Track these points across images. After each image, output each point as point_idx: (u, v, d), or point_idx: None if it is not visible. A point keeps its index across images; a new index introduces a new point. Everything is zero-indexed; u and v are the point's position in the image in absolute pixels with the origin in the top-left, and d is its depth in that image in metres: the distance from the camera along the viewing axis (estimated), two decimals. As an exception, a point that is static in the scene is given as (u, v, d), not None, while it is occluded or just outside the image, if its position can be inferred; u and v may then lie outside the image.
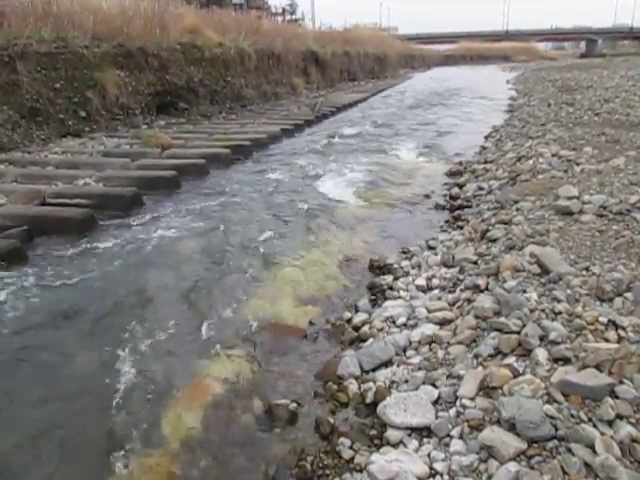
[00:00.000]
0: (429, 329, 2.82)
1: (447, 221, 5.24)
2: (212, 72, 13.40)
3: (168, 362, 2.92)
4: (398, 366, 2.59)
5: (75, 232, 4.82)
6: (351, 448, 2.21)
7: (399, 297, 3.44)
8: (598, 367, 2.03)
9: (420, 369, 2.50)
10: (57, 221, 4.94)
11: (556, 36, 76.15)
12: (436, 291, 3.37)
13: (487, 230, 4.07)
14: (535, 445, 1.84)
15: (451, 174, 7.20)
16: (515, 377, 2.15)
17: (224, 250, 4.55)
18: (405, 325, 3.02)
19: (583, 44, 76.37)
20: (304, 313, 3.47)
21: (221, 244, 4.69)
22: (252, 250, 4.55)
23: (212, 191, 6.49)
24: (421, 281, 3.57)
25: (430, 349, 2.67)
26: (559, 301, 2.59)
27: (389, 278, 3.77)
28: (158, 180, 6.50)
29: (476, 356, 2.41)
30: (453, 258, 3.73)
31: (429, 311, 3.04)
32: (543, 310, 2.52)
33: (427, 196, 6.28)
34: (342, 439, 2.25)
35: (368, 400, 2.44)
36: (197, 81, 12.72)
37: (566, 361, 2.17)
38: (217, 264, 4.23)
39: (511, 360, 2.27)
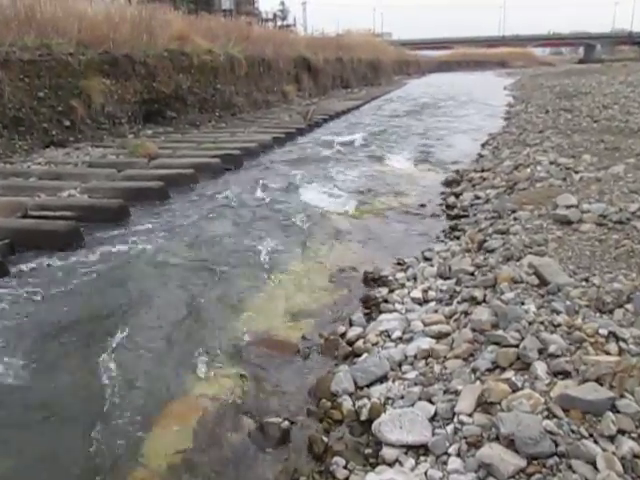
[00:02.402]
0: (425, 343, 2.82)
1: (443, 231, 5.27)
2: (201, 80, 13.51)
3: (154, 379, 2.90)
4: (393, 382, 2.60)
5: (59, 245, 4.80)
6: (345, 468, 2.20)
7: (394, 310, 3.45)
8: (599, 381, 2.05)
9: (416, 384, 2.50)
10: (40, 234, 4.92)
11: (554, 41, 77.39)
12: (432, 304, 3.38)
13: (484, 240, 4.10)
14: (535, 462, 1.84)
15: (447, 183, 7.26)
16: (514, 392, 2.16)
17: (213, 263, 4.55)
18: (400, 339, 3.02)
19: (581, 49, 77.67)
20: (296, 327, 3.48)
21: (210, 257, 4.69)
22: (243, 263, 4.56)
23: (201, 202, 6.51)
24: (417, 293, 3.58)
25: (426, 364, 2.67)
26: (558, 313, 2.61)
27: (384, 291, 3.78)
28: (145, 191, 6.51)
29: (474, 370, 2.42)
30: (450, 269, 3.75)
31: (425, 324, 3.04)
32: (542, 322, 2.54)
33: (423, 205, 6.32)
34: (336, 458, 2.24)
35: (363, 417, 2.44)
36: (185, 89, 12.81)
37: (566, 375, 2.18)
38: (206, 278, 4.23)
39: (509, 374, 2.28)
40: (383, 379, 2.66)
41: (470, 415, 2.15)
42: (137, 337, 3.29)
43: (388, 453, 2.14)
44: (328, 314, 3.68)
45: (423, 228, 5.54)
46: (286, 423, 2.53)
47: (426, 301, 3.49)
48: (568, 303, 2.69)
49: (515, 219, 4.41)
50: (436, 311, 3.21)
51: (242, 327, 3.45)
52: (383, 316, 3.37)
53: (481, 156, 8.69)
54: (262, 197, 6.68)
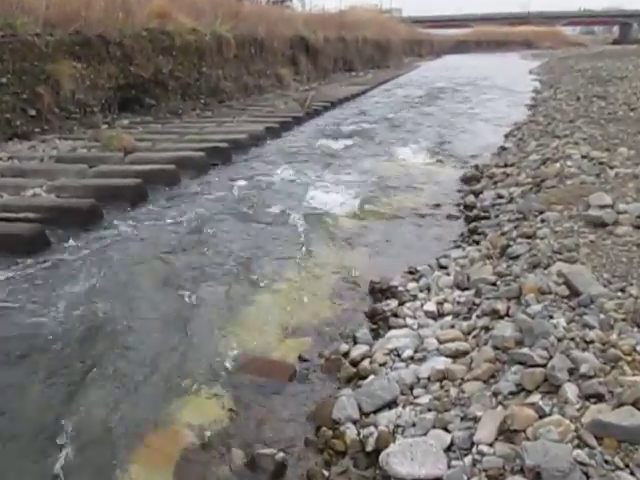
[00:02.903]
0: (440, 363, 2.84)
1: (461, 235, 5.31)
2: (184, 62, 13.57)
3: (132, 407, 2.91)
4: (404, 407, 2.60)
5: (22, 251, 4.82)
6: (349, 506, 2.21)
7: (405, 325, 3.46)
8: (636, 404, 2.06)
9: (430, 410, 2.51)
10: (1, 238, 4.94)
11: (585, 19, 77.68)
12: (448, 318, 3.40)
13: (507, 245, 4.12)
14: (564, 498, 1.85)
15: (466, 180, 7.31)
16: (540, 418, 2.17)
17: (199, 272, 4.57)
18: (412, 359, 3.04)
19: (616, 28, 77.96)
20: (293, 346, 3.50)
21: (195, 265, 4.71)
22: (232, 272, 4.58)
23: (184, 202, 6.55)
24: (431, 306, 3.61)
25: (441, 387, 2.68)
26: (591, 328, 2.62)
27: (393, 303, 3.80)
28: (120, 190, 6.54)
29: (495, 394, 2.43)
30: (468, 279, 3.77)
31: (440, 342, 3.06)
32: (572, 339, 2.55)
33: (438, 206, 6.37)
34: (338, 495, 2.25)
35: (369, 448, 2.44)
36: (166, 73, 12.86)
37: (599, 398, 2.19)
38: (190, 289, 4.25)
39: (536, 398, 2.29)
40: (392, 404, 2.66)
41: (491, 445, 2.16)
42: (111, 360, 3.30)
43: (398, 488, 2.15)
44: (329, 330, 3.69)
45: (438, 231, 5.57)
46: (281, 455, 2.54)
47: (441, 315, 3.51)
48: (602, 317, 2.70)
49: (542, 221, 4.43)
50: (453, 326, 3.23)
51: (231, 346, 3.46)
52: (392, 332, 3.38)
53: (504, 149, 8.73)
54: (254, 197, 6.72)
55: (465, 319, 3.26)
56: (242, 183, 7.34)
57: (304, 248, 5.09)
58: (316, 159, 8.83)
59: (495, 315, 3.05)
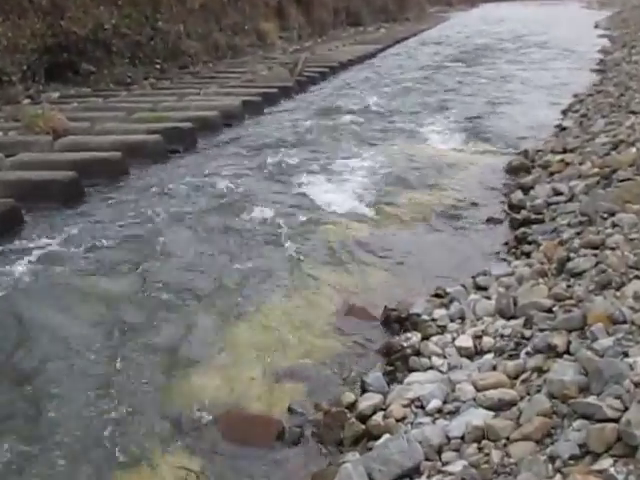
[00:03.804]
0: (478, 417, 2.83)
1: (506, 244, 5.32)
2: (133, 14, 13.66)
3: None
4: (429, 477, 2.60)
5: None
6: None
7: (431, 367, 3.45)
8: None
9: (465, 481, 2.51)
10: None
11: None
12: (489, 356, 3.40)
13: (567, 258, 4.12)
14: None
15: (511, 170, 7.33)
16: (613, 491, 2.17)
17: (155, 297, 4.58)
18: (440, 411, 3.02)
19: None
20: (281, 395, 3.49)
21: (149, 287, 4.72)
22: (199, 296, 4.59)
23: (132, 202, 6.57)
24: (465, 341, 3.60)
25: (480, 449, 2.67)
26: (679, 369, 2.62)
27: (415, 337, 3.78)
28: (48, 186, 6.55)
29: (552, 458, 2.42)
30: (515, 304, 3.77)
31: (478, 389, 3.05)
32: (655, 383, 2.55)
33: (474, 205, 6.40)
34: None
35: (383, 534, 2.44)
36: (109, 29, 12.92)
37: (691, 464, 2.19)
38: (142, 318, 4.26)
39: (606, 464, 2.28)
40: (413, 474, 2.65)
41: (547, 528, 2.15)
42: (31, 410, 3.31)
43: None
44: (329, 374, 3.69)
45: (474, 240, 5.59)
46: None
47: (479, 352, 3.50)
48: (694, 353, 2.70)
49: (614, 225, 4.43)
50: (494, 368, 3.22)
51: (199, 396, 3.46)
52: (414, 376, 3.37)
53: (562, 129, 8.75)
54: (227, 196, 6.73)
55: (511, 358, 3.25)
56: (212, 177, 7.37)
57: (296, 265, 5.10)
58: (310, 144, 8.89)
59: (551, 352, 3.04)
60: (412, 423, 3.00)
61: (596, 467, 2.31)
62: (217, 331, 4.15)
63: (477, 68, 16.18)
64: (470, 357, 3.49)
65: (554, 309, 3.51)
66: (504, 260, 4.92)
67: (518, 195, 6.33)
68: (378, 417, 3.12)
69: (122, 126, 8.95)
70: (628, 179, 5.44)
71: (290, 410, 3.37)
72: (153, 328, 4.18)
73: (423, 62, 17.39)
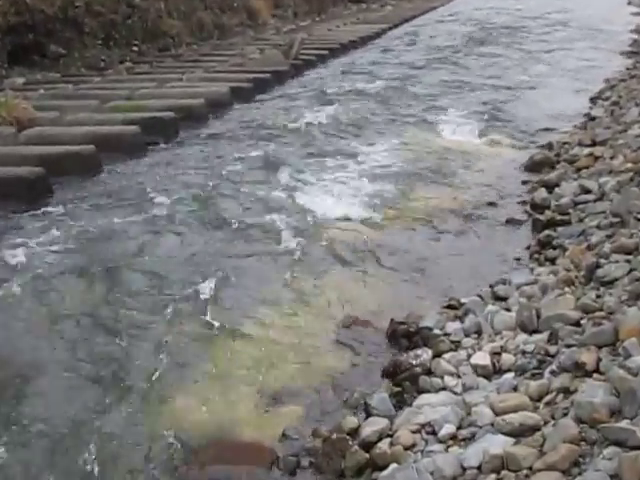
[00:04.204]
0: (497, 444, 2.82)
1: (528, 248, 5.33)
2: (108, -10, 13.64)
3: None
4: (442, 512, 2.59)
5: None
6: None
7: (443, 388, 3.45)
8: None
9: (482, 518, 2.51)
10: None
11: None
12: (509, 376, 3.39)
13: (597, 265, 4.12)
14: None
15: (534, 166, 7.32)
16: (649, 528, 2.17)
17: (129, 307, 4.58)
18: (454, 438, 3.02)
19: None
20: (274, 419, 3.49)
21: (125, 296, 4.73)
22: (180, 307, 4.58)
23: (106, 201, 6.57)
24: (482, 358, 3.59)
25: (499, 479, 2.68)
26: None
27: (425, 354, 3.78)
28: (11, 183, 6.55)
29: (580, 491, 2.42)
30: (538, 316, 3.77)
31: (497, 412, 3.04)
32: (696, 406, 2.55)
33: (492, 205, 6.41)
34: None
35: None
36: (81, 7, 12.90)
37: None
38: (117, 332, 4.26)
39: (641, 497, 2.28)
40: (424, 508, 2.65)
41: None
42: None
43: None
44: (329, 395, 3.69)
45: (493, 244, 5.60)
46: None
47: (498, 371, 3.50)
48: None
49: (649, 228, 4.44)
50: (515, 388, 3.22)
51: (182, 422, 3.46)
52: (424, 398, 3.37)
53: (591, 118, 8.76)
54: (213, 194, 6.73)
55: (534, 377, 3.24)
56: (195, 172, 7.36)
57: (291, 272, 5.10)
58: (307, 135, 8.88)
59: (579, 371, 3.04)
60: (422, 451, 2.99)
61: (630, 501, 2.31)
62: (202, 346, 4.15)
63: (496, 50, 16.14)
64: (488, 376, 3.48)
65: (582, 322, 3.51)
66: (526, 267, 4.91)
67: (541, 193, 6.32)
68: (384, 444, 3.10)
69: (95, 116, 8.94)
70: (665, 175, 5.46)
71: (285, 436, 3.36)
72: (127, 344, 4.17)
73: (435, 43, 17.32)
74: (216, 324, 4.40)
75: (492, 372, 3.51)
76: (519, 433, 2.89)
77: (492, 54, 15.58)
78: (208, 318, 4.48)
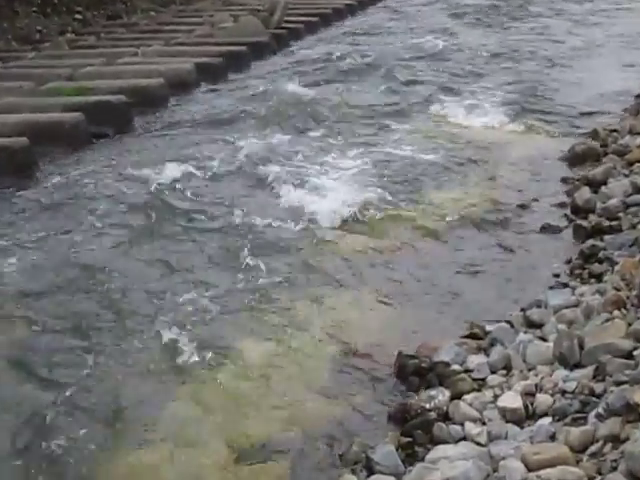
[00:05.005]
0: (531, 507, 2.84)
1: (568, 262, 5.32)
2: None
3: None
4: None
5: None
6: None
7: (464, 437, 3.45)
8: None
9: None
10: None
11: None
12: (545, 421, 3.39)
13: (653, 282, 4.13)
14: None
15: (574, 158, 7.32)
16: None
17: (69, 344, 4.59)
18: (478, 499, 3.03)
19: None
20: (256, 478, 3.48)
21: (66, 335, 4.72)
22: (141, 339, 4.59)
23: (38, 208, 6.57)
24: (512, 400, 3.58)
25: None
26: None
27: (441, 395, 3.77)
28: None
29: None
30: (581, 347, 3.76)
31: (530, 467, 3.03)
32: None
33: (523, 207, 6.41)
34: None
35: None
36: (11, -35, 12.90)
37: None
38: (60, 367, 4.27)
39: None
40: None
41: None
42: None
43: None
44: (322, 447, 3.68)
45: (524, 257, 5.60)
46: None
47: (532, 416, 3.49)
48: None
49: None
50: (553, 437, 3.22)
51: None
52: (440, 450, 3.37)
53: (644, 100, 8.76)
54: (176, 199, 6.74)
55: (576, 423, 3.24)
56: (152, 171, 7.32)
57: (274, 294, 5.10)
58: (291, 124, 8.90)
59: (631, 414, 3.04)
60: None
61: None
62: (168, 387, 4.15)
63: (533, 10, 16.20)
64: (519, 422, 3.47)
65: (635, 353, 3.50)
66: (565, 285, 4.89)
67: (584, 193, 6.28)
68: (391, 510, 3.12)
69: (29, 101, 8.95)
70: None
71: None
72: (79, 379, 4.18)
73: (449, 10, 17.19)
74: (185, 359, 4.38)
75: (524, 417, 3.50)
76: (558, 493, 2.90)
77: (528, 16, 15.64)
78: (176, 352, 4.46)
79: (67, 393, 4.09)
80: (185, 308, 4.94)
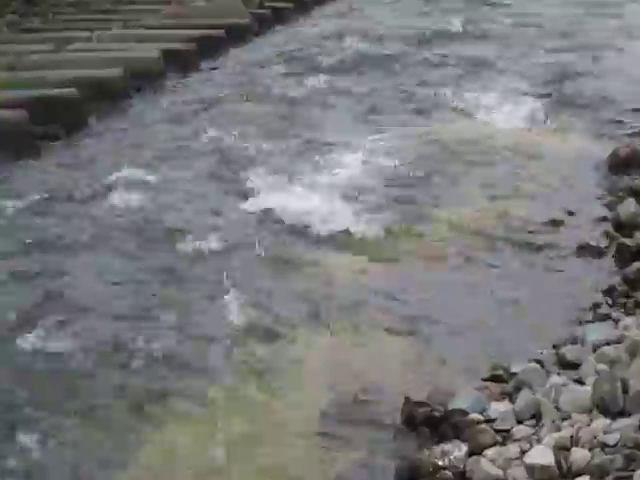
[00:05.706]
0: None
1: (608, 291, 5.32)
2: None
3: None
4: None
5: None
6: None
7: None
8: None
9: None
10: None
11: None
12: (583, 480, 3.43)
13: None
14: None
15: (618, 165, 7.37)
16: None
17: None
18: None
19: None
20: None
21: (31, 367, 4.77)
22: (107, 378, 4.63)
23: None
24: (543, 455, 3.57)
25: None
26: None
27: (458, 450, 3.78)
28: None
29: None
30: (626, 391, 3.78)
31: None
32: None
33: (556, 223, 6.44)
34: None
35: None
36: None
37: None
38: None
39: None
40: None
41: None
42: None
43: None
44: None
45: (557, 283, 5.64)
46: None
47: (567, 474, 3.49)
48: None
49: None
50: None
51: None
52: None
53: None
54: (136, 212, 6.79)
55: (620, 483, 3.32)
56: (110, 179, 7.38)
57: (260, 329, 5.14)
58: (276, 121, 9.00)
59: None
60: None
61: None
62: (134, 441, 4.16)
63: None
64: (551, 483, 3.50)
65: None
66: (607, 317, 4.90)
67: (629, 206, 6.32)
68: None
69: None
70: None
71: None
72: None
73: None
74: (156, 408, 4.41)
75: (558, 475, 3.49)
76: None
77: (544, 7, 15.67)
78: (145, 401, 4.47)
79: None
80: (158, 339, 4.98)
